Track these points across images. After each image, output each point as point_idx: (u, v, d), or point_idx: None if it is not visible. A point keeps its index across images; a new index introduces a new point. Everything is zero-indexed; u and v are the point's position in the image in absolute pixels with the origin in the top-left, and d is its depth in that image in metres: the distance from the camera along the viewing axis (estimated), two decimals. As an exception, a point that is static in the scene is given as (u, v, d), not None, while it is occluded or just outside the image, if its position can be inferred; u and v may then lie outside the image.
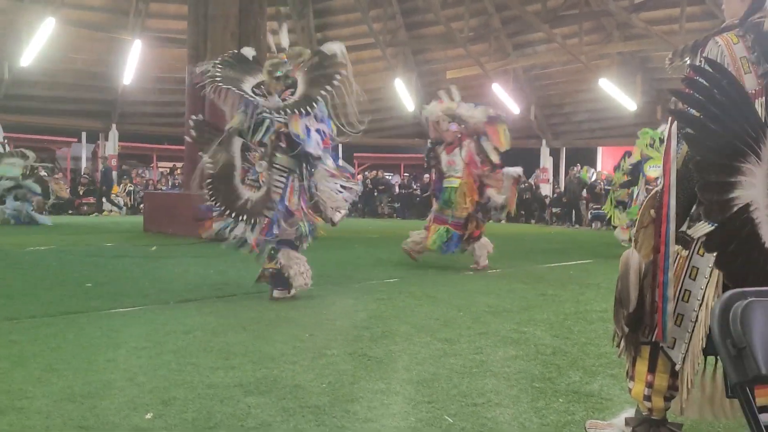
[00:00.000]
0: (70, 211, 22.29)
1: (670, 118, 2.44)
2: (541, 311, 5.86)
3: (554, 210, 23.84)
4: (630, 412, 2.78)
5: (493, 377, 3.78)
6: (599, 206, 18.43)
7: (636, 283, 2.50)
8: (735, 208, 2.12)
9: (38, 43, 20.92)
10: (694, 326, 2.42)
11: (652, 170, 10.47)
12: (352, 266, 8.90)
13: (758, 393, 2.26)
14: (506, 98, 25.38)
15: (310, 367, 3.92)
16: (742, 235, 2.14)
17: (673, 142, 2.40)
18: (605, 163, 25.62)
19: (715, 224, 2.24)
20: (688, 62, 2.51)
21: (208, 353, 4.19)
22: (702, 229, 2.36)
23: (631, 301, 2.50)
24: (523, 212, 24.49)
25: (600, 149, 27.17)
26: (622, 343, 2.65)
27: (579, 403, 3.34)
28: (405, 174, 30.87)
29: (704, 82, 2.18)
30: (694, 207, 2.44)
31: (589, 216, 21.60)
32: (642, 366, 2.61)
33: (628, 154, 11.87)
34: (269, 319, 5.30)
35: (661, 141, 10.44)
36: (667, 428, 2.62)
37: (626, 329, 2.56)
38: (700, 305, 2.40)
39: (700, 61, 2.40)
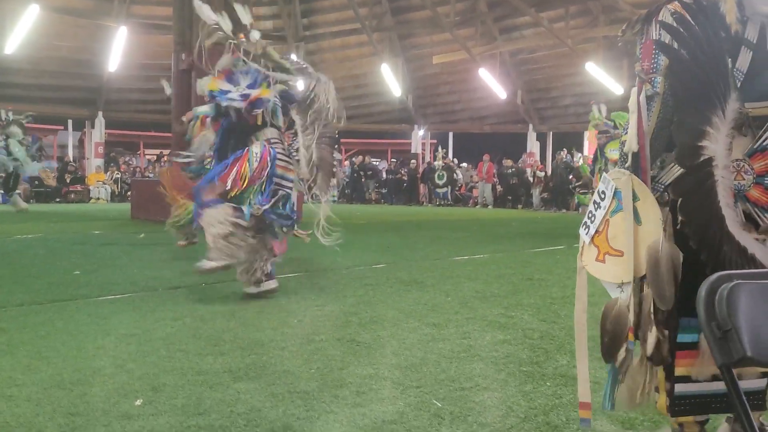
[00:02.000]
0: (57, 200, 22.18)
1: (635, 88, 2.25)
2: (528, 296, 5.89)
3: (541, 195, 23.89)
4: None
5: (481, 362, 3.80)
6: (585, 191, 18.43)
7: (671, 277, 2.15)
8: (702, 158, 2.06)
9: (22, 31, 20.74)
10: None
11: (613, 153, 10.39)
12: (340, 252, 8.88)
13: (679, 363, 2.21)
14: (493, 83, 25.41)
15: (298, 353, 3.93)
16: (703, 188, 2.07)
17: (644, 113, 2.23)
18: (593, 147, 25.62)
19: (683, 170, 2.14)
20: (642, 33, 2.39)
21: (197, 340, 4.20)
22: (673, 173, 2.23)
23: (667, 297, 2.12)
24: (509, 197, 24.59)
25: (587, 133, 27.17)
26: (654, 351, 2.20)
27: (566, 386, 3.36)
28: (392, 159, 30.85)
29: (694, 24, 2.09)
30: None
31: (576, 200, 21.63)
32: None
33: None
34: (258, 306, 5.31)
35: (616, 124, 10.38)
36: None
37: (665, 333, 2.19)
38: None
39: (657, 31, 2.29)
